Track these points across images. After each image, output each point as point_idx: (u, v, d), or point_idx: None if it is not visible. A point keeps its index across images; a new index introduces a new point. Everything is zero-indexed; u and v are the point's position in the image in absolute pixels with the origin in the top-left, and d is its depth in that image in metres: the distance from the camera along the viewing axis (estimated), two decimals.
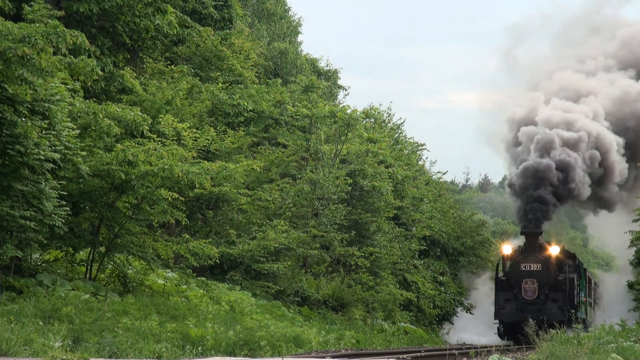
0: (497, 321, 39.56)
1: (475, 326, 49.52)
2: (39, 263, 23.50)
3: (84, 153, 22.22)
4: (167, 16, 32.21)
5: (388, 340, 34.07)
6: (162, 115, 30.83)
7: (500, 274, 39.68)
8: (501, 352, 20.94)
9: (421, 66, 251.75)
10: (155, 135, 27.90)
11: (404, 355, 20.69)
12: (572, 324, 35.94)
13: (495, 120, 46.35)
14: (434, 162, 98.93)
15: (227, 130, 35.50)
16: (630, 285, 43.14)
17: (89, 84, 25.59)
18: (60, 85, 21.40)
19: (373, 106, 56.68)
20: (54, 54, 19.28)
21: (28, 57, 18.35)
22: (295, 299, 34.45)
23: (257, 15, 58.93)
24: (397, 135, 61.37)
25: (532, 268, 38.58)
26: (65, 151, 21.17)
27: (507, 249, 40.94)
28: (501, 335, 39.60)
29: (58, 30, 19.20)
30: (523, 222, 40.03)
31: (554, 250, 39.68)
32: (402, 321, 42.18)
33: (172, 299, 24.54)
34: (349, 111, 39.55)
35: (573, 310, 38.78)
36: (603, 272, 71.70)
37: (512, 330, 38.21)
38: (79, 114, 22.68)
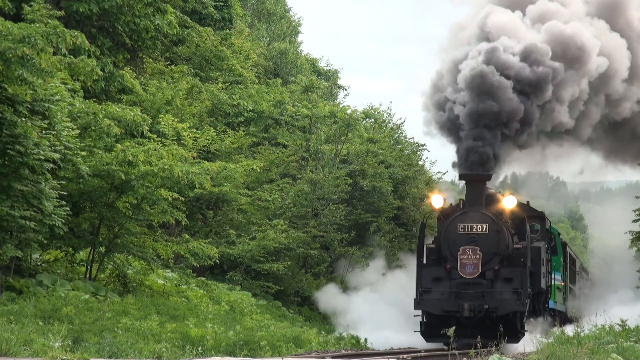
0: (419, 313, 25.70)
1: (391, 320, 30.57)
2: (39, 263, 23.49)
3: (84, 153, 22.20)
4: (167, 16, 32.24)
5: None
6: (162, 115, 30.84)
7: (429, 242, 26.59)
8: (501, 353, 20.91)
9: (421, 66, 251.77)
10: (155, 135, 27.91)
11: (404, 356, 20.63)
12: (540, 316, 27.79)
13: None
14: (434, 162, 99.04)
15: (227, 130, 35.51)
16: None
17: (89, 84, 25.54)
18: (60, 85, 21.40)
19: (373, 106, 56.65)
20: (54, 54, 19.28)
21: (28, 57, 18.34)
22: (295, 299, 34.46)
23: (257, 15, 58.92)
24: (397, 135, 61.33)
25: (473, 230, 25.26)
26: (65, 151, 21.16)
27: (437, 200, 26.53)
28: (425, 333, 25.53)
29: (58, 30, 19.20)
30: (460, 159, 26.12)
31: (508, 203, 26.20)
32: None
33: (172, 299, 24.54)
34: (349, 111, 39.55)
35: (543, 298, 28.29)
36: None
37: (442, 325, 22.88)
38: (78, 114, 22.68)
